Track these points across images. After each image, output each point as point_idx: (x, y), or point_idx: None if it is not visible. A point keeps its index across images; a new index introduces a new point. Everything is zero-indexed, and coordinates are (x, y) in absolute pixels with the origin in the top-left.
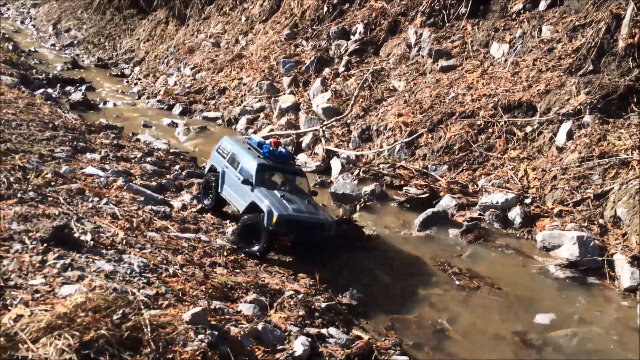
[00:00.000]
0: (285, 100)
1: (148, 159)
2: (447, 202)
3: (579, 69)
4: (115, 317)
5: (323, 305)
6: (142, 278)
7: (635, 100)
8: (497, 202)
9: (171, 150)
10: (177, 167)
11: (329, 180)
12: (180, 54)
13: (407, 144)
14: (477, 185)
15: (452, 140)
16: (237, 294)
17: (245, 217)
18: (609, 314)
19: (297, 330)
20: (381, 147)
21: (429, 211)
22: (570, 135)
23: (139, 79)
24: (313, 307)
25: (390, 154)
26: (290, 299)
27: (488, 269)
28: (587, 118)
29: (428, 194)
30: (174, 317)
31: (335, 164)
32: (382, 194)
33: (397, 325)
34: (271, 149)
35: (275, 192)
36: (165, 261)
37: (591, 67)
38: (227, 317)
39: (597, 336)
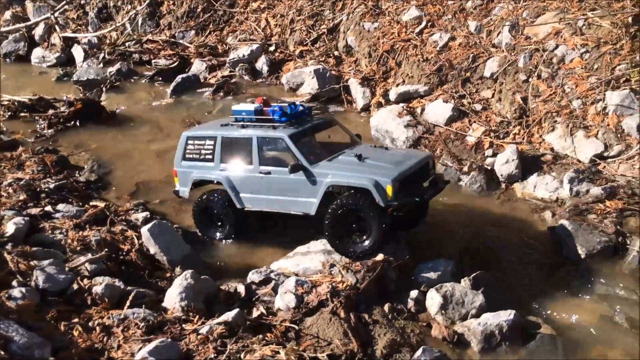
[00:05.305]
0: None
1: None
2: (198, 66)
3: None
4: None
5: (52, 186)
6: None
7: None
8: (244, 56)
9: None
10: None
11: (74, 71)
12: None
13: (150, 15)
14: (226, 45)
15: (194, 2)
16: None
17: (336, 205)
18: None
19: (12, 214)
20: (123, 24)
21: (179, 78)
22: None
23: None
24: (39, 189)
25: (134, 29)
26: (8, 187)
27: None
28: None
29: (178, 62)
30: None
31: (78, 52)
32: (130, 71)
33: (142, 188)
34: (284, 109)
35: (343, 157)
36: None
37: None
38: None
39: None
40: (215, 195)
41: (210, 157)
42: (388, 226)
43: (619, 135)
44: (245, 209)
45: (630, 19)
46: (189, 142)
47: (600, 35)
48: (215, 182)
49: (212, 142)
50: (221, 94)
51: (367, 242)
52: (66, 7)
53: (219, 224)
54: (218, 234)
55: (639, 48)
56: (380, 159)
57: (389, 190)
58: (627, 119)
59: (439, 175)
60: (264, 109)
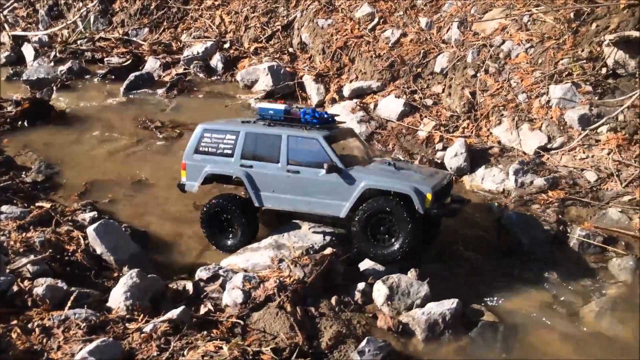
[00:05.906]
0: None
1: None
2: (151, 64)
3: None
4: None
5: None
6: None
7: None
8: (199, 53)
9: None
10: None
11: (24, 70)
12: None
13: (102, 13)
14: (180, 42)
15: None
16: None
17: (369, 207)
18: None
19: None
20: (74, 21)
21: (132, 76)
22: None
23: None
24: None
25: (86, 27)
26: None
27: (192, 116)
28: None
29: (132, 60)
30: None
31: (28, 51)
32: (82, 70)
33: (92, 188)
34: (314, 113)
35: (375, 164)
36: None
37: None
38: None
39: None
40: (227, 199)
41: (229, 151)
42: (419, 233)
43: (561, 127)
44: (264, 207)
45: (572, 15)
46: (206, 134)
47: (544, 30)
48: (233, 177)
49: (233, 137)
50: (175, 91)
51: (395, 246)
52: (15, 4)
53: (230, 230)
54: (230, 242)
55: (580, 43)
56: (414, 171)
57: (429, 197)
58: (569, 112)
59: (456, 193)
60: (292, 110)
